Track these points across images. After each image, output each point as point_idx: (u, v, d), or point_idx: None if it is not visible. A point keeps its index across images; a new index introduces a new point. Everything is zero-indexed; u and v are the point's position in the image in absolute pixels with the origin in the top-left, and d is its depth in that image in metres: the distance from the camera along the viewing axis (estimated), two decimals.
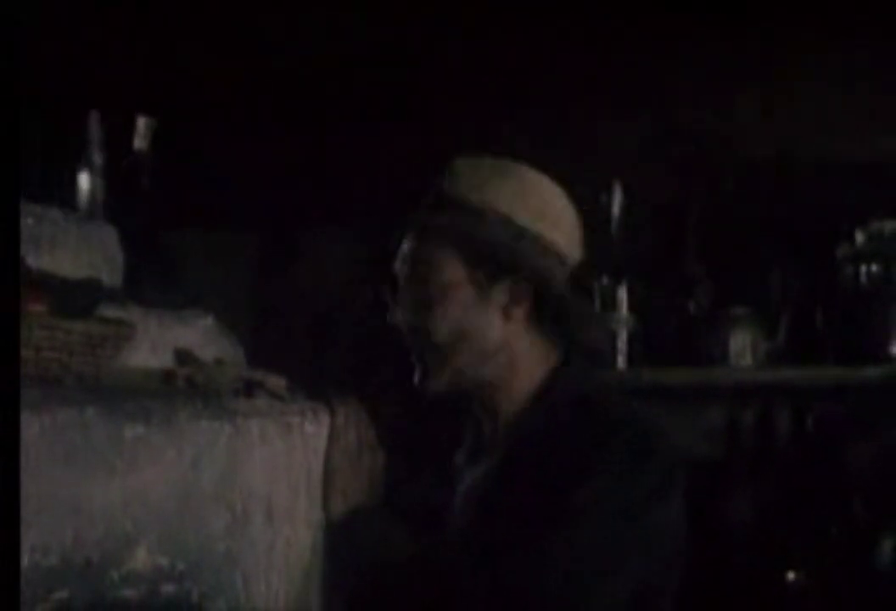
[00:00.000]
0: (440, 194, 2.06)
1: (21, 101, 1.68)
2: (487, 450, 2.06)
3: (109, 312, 2.19)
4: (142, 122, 2.47)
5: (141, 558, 1.92)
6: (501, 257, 1.96)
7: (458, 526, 2.05)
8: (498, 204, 1.99)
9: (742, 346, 3.29)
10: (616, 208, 3.30)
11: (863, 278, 3.31)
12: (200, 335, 2.45)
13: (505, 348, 2.01)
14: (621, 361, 3.77)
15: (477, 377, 2.03)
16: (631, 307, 3.47)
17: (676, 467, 1.90)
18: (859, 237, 3.37)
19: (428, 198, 2.10)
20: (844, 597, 2.59)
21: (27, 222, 2.23)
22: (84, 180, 2.50)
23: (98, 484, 1.88)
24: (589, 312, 2.15)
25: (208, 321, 2.50)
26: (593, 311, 2.19)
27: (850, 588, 2.24)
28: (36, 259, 2.19)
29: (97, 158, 2.51)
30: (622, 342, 3.53)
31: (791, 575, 2.74)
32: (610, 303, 3.65)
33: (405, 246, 2.08)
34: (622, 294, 3.47)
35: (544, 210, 1.99)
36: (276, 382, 2.37)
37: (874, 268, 3.32)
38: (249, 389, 2.30)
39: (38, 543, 1.77)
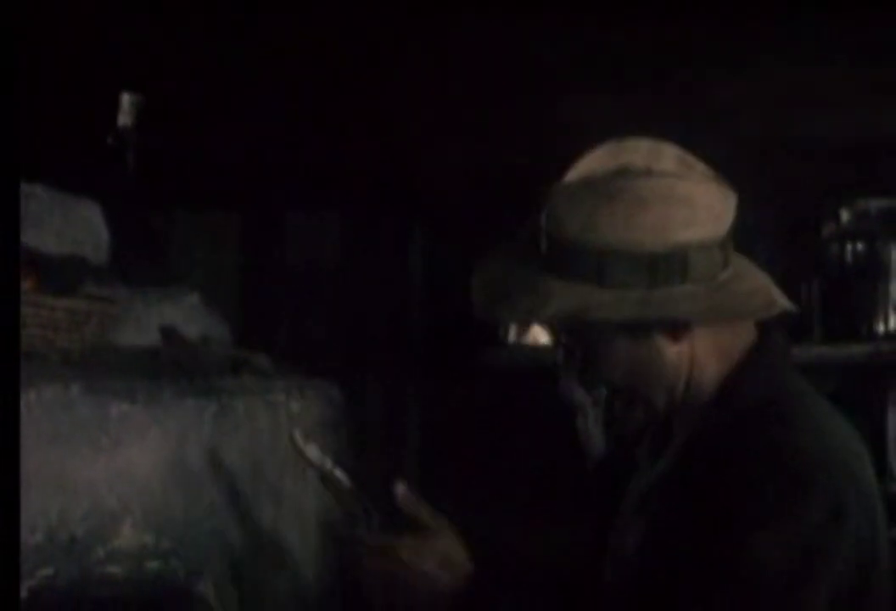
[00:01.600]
0: (548, 241, 1.74)
1: (20, 83, 1.67)
2: (668, 446, 1.84)
3: (94, 289, 2.18)
4: (126, 99, 2.46)
5: (126, 535, 1.92)
6: (642, 314, 1.70)
7: (625, 533, 1.83)
8: (615, 240, 1.70)
9: None
10: None
11: (848, 257, 3.31)
12: (186, 313, 2.45)
13: (685, 362, 1.77)
14: None
15: (670, 399, 1.79)
16: None
17: (838, 513, 1.64)
18: (845, 216, 3.38)
19: (527, 240, 1.79)
20: None
21: None
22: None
23: (83, 461, 1.88)
24: (757, 282, 1.81)
25: (194, 299, 2.50)
26: (760, 277, 1.82)
27: None
28: (21, 236, 2.18)
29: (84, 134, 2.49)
30: None
31: None
32: None
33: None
34: None
35: (669, 214, 1.70)
36: (262, 360, 2.37)
37: (859, 246, 3.32)
38: (235, 367, 2.30)
39: (23, 520, 1.77)
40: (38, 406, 1.82)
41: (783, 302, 1.78)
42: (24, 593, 1.75)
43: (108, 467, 1.91)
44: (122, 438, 1.94)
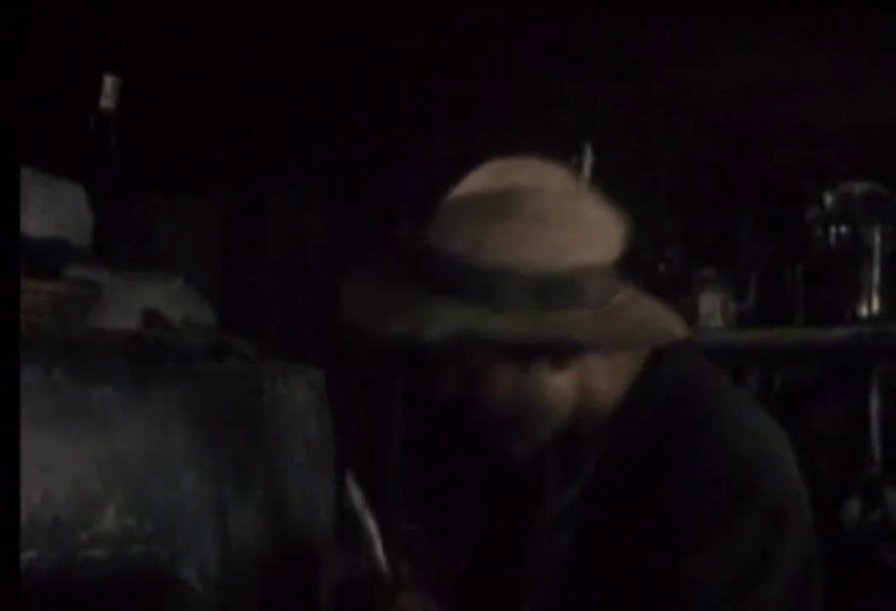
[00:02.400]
0: (432, 258, 1.66)
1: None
2: (578, 471, 1.74)
3: (77, 272, 2.18)
4: (108, 82, 2.45)
5: (109, 519, 1.91)
6: (534, 335, 1.62)
7: (542, 567, 1.76)
8: (506, 260, 1.62)
9: (712, 307, 3.30)
10: (587, 169, 3.29)
11: (832, 240, 3.32)
12: (169, 297, 2.44)
13: (572, 388, 1.69)
14: None
15: (553, 426, 1.71)
16: None
17: (778, 520, 1.59)
18: (828, 199, 3.38)
19: (405, 255, 1.72)
20: None
21: None
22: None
23: (66, 445, 1.87)
24: (649, 309, 1.72)
25: (177, 283, 2.49)
26: (652, 304, 1.74)
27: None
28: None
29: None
30: None
31: None
32: None
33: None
34: None
35: (563, 235, 1.63)
36: (246, 345, 2.37)
37: (843, 229, 3.32)
38: (219, 351, 2.30)
39: None
40: (21, 390, 1.81)
41: (677, 329, 1.69)
42: None
43: (92, 450, 1.91)
44: (105, 421, 1.94)
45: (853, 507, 3.01)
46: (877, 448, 3.43)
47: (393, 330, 1.64)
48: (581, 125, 3.46)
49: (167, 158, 3.54)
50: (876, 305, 3.36)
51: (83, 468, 1.89)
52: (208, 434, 2.10)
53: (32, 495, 1.81)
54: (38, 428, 1.84)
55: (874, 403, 3.45)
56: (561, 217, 1.63)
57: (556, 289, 1.62)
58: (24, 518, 1.79)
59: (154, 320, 2.28)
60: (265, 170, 4.10)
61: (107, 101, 2.42)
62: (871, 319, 3.38)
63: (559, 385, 1.68)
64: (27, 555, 1.79)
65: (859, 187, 3.36)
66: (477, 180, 1.69)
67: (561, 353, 1.65)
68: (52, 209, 2.28)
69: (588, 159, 3.30)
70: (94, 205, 2.36)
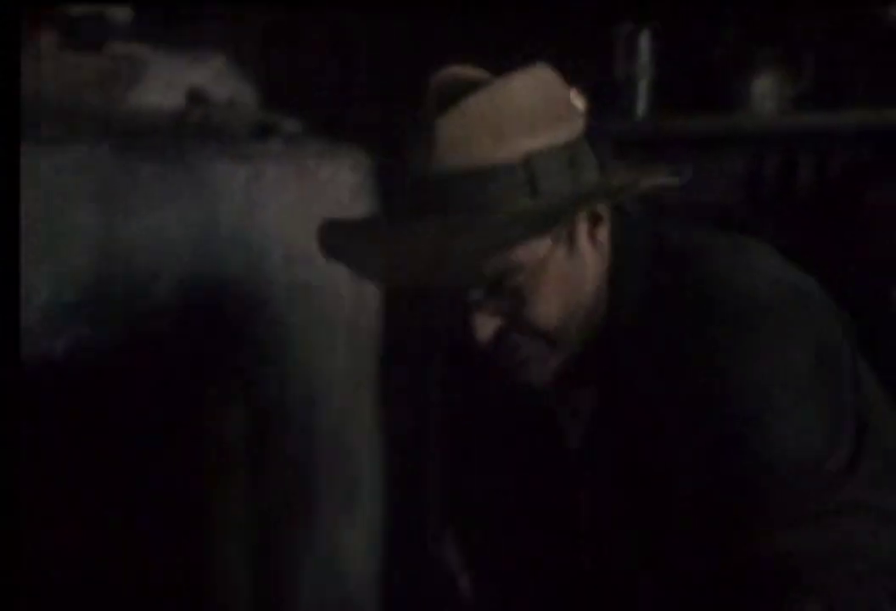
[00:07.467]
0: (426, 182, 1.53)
1: None
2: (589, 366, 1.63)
3: (119, 49, 2.13)
4: None
5: (163, 296, 1.92)
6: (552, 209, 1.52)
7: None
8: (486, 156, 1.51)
9: (766, 90, 3.20)
10: None
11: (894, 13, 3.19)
12: (213, 76, 2.38)
13: (600, 271, 1.62)
14: (642, 109, 3.70)
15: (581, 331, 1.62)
16: (653, 53, 3.36)
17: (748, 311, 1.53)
18: None
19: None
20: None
21: None
22: None
23: (116, 221, 1.86)
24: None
25: (221, 61, 2.43)
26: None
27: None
28: None
29: None
30: (643, 90, 3.45)
31: None
32: (632, 50, 3.55)
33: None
34: (644, 41, 3.37)
35: (524, 117, 1.52)
36: (292, 125, 2.33)
37: None
38: (264, 131, 2.26)
39: (54, 274, 1.77)
40: (66, 167, 1.79)
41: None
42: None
43: (141, 228, 1.90)
44: (152, 199, 1.92)
45: None
46: None
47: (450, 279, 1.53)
48: None
49: None
50: None
51: (133, 246, 1.89)
52: (255, 214, 2.09)
53: (82, 271, 1.81)
54: (85, 205, 1.82)
55: None
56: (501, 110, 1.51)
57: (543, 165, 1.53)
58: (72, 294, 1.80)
59: (198, 99, 2.23)
60: None
61: None
62: None
63: (593, 267, 1.59)
64: (76, 331, 1.81)
65: None
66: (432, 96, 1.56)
67: (593, 217, 1.57)
68: None
69: None
70: None
